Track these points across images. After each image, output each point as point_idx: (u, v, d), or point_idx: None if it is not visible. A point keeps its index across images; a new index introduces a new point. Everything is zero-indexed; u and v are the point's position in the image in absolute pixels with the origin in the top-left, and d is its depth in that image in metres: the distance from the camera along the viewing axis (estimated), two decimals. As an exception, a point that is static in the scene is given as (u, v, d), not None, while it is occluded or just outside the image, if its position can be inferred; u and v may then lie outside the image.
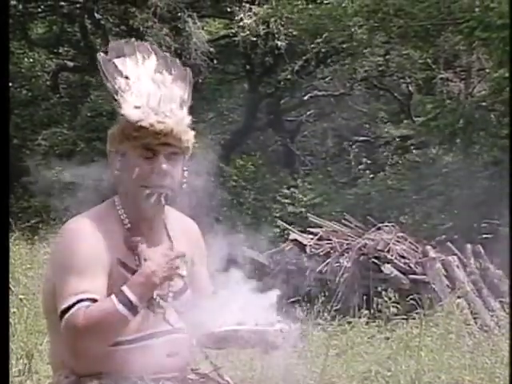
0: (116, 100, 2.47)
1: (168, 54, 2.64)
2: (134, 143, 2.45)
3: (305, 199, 13.94)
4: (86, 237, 2.42)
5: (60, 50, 18.63)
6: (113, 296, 2.35)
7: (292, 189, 14.54)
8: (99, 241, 2.43)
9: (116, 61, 2.51)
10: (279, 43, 14.82)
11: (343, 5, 13.70)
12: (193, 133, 2.53)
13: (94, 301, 2.35)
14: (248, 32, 14.58)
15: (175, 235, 2.58)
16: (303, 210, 13.25)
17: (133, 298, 2.34)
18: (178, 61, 2.64)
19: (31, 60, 17.51)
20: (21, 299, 6.56)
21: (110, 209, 2.52)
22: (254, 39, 14.83)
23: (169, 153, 2.47)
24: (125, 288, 2.36)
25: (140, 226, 2.50)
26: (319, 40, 14.03)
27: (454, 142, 12.71)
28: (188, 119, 2.53)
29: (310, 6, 14.49)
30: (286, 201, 13.93)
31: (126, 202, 2.50)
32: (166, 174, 2.45)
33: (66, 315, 2.34)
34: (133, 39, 2.65)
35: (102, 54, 2.52)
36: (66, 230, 2.48)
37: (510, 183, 8.41)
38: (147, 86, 2.51)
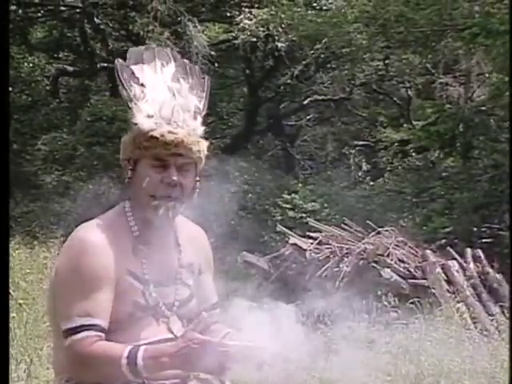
0: (130, 108, 2.46)
1: (187, 61, 2.61)
2: (144, 153, 2.44)
3: (305, 204, 13.92)
4: (94, 249, 2.40)
5: (60, 55, 18.63)
6: (127, 348, 2.32)
7: (293, 194, 14.53)
8: (107, 252, 2.41)
9: (133, 67, 2.49)
10: (279, 45, 14.80)
11: (343, 11, 13.72)
12: (206, 143, 2.51)
13: (99, 328, 2.34)
14: (248, 33, 14.55)
15: (183, 243, 2.57)
16: (303, 214, 13.23)
17: (140, 363, 2.30)
18: (197, 68, 2.61)
19: (31, 65, 17.50)
20: (20, 304, 6.55)
21: (119, 215, 2.51)
22: (254, 40, 14.79)
23: (180, 164, 2.45)
24: (141, 350, 2.31)
25: (149, 233, 2.49)
26: (319, 45, 14.02)
27: (454, 146, 12.71)
28: (201, 129, 2.51)
29: (310, 13, 14.49)
30: (287, 206, 13.91)
31: (136, 210, 2.49)
32: (175, 185, 2.43)
33: (73, 337, 2.34)
34: (153, 45, 2.62)
35: (119, 60, 2.50)
36: (75, 238, 2.46)
37: (510, 187, 8.41)
38: (162, 95, 2.48)
